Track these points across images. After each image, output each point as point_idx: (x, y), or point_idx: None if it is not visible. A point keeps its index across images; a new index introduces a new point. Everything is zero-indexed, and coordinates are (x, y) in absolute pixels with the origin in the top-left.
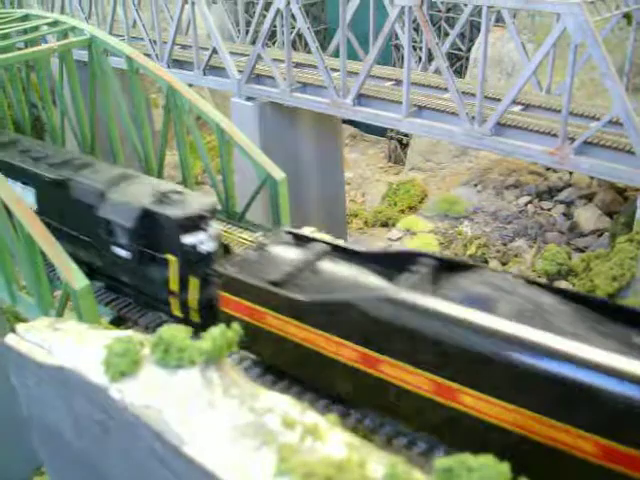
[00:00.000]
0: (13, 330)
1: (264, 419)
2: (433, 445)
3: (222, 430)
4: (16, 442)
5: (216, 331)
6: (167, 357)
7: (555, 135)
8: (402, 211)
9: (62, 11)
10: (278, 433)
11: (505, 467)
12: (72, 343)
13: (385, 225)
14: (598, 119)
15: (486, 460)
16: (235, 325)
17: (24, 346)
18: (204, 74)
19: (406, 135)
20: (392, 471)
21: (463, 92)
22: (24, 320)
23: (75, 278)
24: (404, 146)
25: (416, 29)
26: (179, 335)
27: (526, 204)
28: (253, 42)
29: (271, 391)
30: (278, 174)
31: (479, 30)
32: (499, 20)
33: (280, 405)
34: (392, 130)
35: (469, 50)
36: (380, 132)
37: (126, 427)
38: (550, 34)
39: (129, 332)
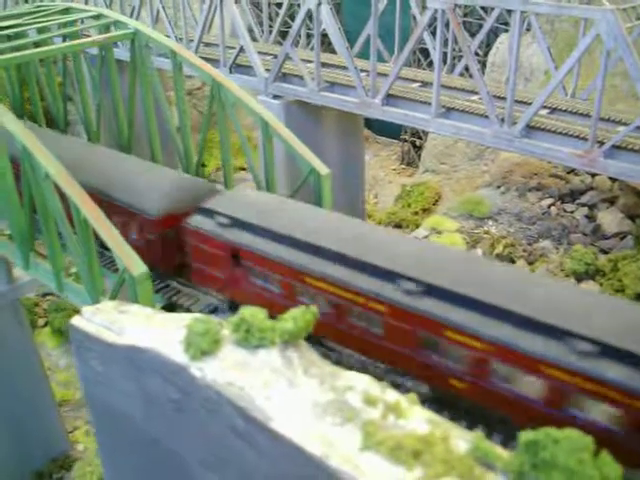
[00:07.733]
0: (33, 324)
1: (345, 397)
2: (492, 430)
3: (305, 407)
4: (18, 440)
5: (296, 312)
6: (249, 337)
7: (583, 138)
8: (416, 213)
9: (86, 4)
10: (360, 410)
11: (589, 439)
12: (143, 324)
13: (399, 226)
14: (624, 123)
15: (571, 433)
16: (312, 307)
17: (91, 327)
18: (230, 72)
19: (420, 137)
20: (478, 444)
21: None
22: (42, 316)
23: (134, 264)
24: (418, 148)
25: (433, 32)
26: (259, 316)
27: (549, 206)
28: (276, 42)
29: (350, 371)
30: (323, 169)
31: (496, 35)
32: None
33: (360, 384)
34: (406, 132)
35: (486, 55)
36: (393, 134)
37: (204, 405)
38: (582, 40)
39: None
